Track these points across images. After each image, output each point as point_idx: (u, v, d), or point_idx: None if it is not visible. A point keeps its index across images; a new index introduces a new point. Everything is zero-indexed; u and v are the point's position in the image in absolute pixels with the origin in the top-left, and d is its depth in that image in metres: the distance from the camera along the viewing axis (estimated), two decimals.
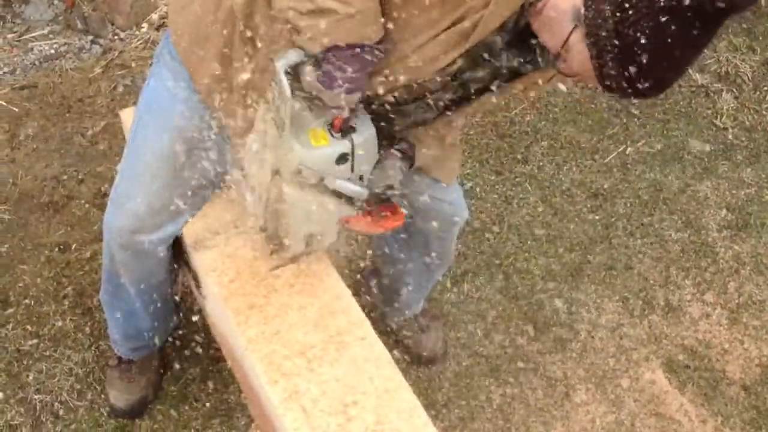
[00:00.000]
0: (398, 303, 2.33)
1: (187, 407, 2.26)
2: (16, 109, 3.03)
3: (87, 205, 2.70)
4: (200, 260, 1.69)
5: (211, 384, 2.30)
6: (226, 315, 1.60)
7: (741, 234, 2.87)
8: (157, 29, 3.41)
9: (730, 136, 3.19)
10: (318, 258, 1.70)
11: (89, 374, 2.28)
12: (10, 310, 2.39)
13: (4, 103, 3.06)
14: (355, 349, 1.54)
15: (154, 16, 3.47)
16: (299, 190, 1.48)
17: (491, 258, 2.68)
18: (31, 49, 3.36)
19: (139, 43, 3.34)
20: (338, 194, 1.51)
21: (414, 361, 2.42)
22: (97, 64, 3.24)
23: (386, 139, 1.57)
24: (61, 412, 2.21)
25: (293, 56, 1.35)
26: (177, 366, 2.32)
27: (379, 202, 1.59)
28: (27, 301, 2.42)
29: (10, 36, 3.41)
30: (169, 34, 1.64)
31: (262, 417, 1.61)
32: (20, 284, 2.46)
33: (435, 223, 1.95)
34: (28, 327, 2.36)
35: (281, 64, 1.36)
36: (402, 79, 1.41)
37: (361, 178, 1.50)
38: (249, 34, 1.46)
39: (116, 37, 3.40)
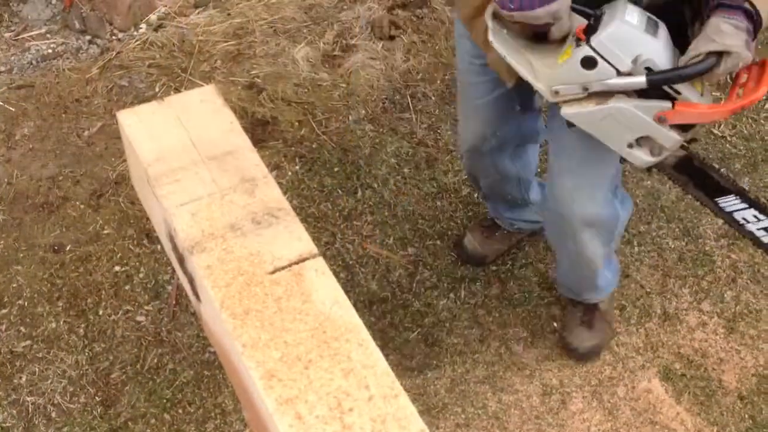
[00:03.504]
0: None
1: (180, 411, 2.24)
2: (13, 109, 3.02)
3: (82, 206, 2.69)
4: (196, 263, 1.67)
5: (204, 388, 2.29)
6: (222, 319, 1.59)
7: (738, 243, 2.86)
8: (156, 30, 3.40)
9: (727, 145, 3.18)
10: (315, 262, 1.68)
11: (82, 376, 2.26)
12: (4, 311, 2.38)
13: (1, 103, 3.04)
14: (352, 355, 1.52)
15: (153, 17, 3.46)
16: (579, 108, 1.54)
17: (488, 264, 2.67)
18: (28, 48, 3.34)
19: (137, 43, 3.32)
20: (627, 93, 1.50)
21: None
22: (95, 65, 3.23)
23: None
24: (53, 415, 2.20)
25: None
26: (170, 369, 2.31)
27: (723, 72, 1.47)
28: (21, 301, 2.41)
29: (7, 35, 3.40)
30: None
31: (257, 422, 1.59)
32: (14, 285, 2.44)
33: None
34: (22, 328, 2.35)
35: (487, 19, 1.56)
36: None
37: (648, 69, 1.47)
38: None
39: (114, 38, 3.39)
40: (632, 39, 1.46)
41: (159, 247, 2.55)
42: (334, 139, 2.98)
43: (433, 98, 3.15)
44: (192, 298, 1.86)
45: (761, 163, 3.13)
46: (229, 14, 3.49)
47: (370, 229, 2.72)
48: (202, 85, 3.09)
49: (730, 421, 2.42)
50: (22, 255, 2.52)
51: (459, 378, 2.42)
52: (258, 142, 2.87)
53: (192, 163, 1.85)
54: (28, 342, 2.32)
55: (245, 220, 1.77)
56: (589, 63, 1.47)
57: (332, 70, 3.25)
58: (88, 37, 3.39)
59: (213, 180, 1.83)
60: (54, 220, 2.64)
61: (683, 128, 1.57)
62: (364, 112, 3.08)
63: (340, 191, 2.82)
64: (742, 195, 1.68)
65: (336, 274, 1.70)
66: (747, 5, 1.47)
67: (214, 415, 2.24)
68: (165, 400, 2.25)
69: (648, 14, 1.51)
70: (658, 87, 1.50)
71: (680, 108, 1.49)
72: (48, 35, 3.40)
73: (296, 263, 1.67)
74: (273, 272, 1.67)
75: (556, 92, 1.54)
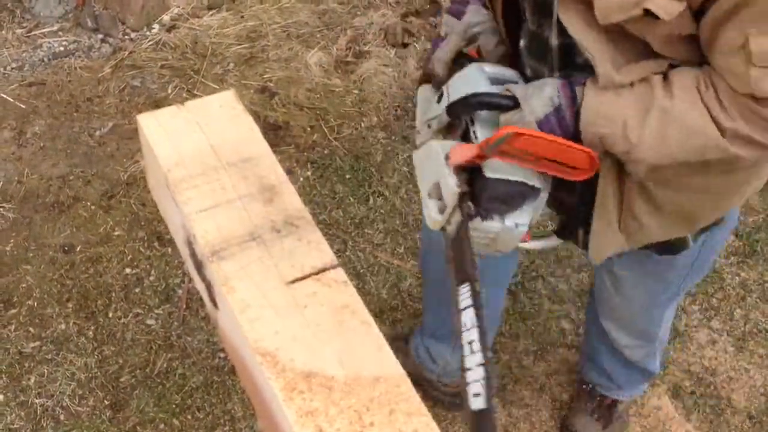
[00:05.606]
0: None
1: (189, 417, 2.23)
2: (24, 106, 3.01)
3: (93, 207, 2.67)
4: (216, 271, 1.66)
5: (214, 394, 2.27)
6: (241, 328, 1.57)
7: (748, 261, 2.86)
8: (168, 30, 3.39)
9: None
10: (335, 272, 1.67)
11: (91, 379, 2.25)
12: (13, 311, 2.36)
13: (12, 100, 3.03)
14: (372, 368, 1.51)
15: (166, 17, 3.45)
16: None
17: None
18: (40, 45, 3.33)
19: (149, 44, 3.31)
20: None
21: None
22: (107, 64, 3.22)
23: None
24: (62, 417, 2.18)
25: None
26: (180, 374, 2.29)
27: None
28: (30, 302, 2.39)
29: (19, 31, 3.38)
30: None
31: None
32: (24, 285, 2.43)
33: None
34: (31, 329, 2.33)
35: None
36: None
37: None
38: None
39: (127, 37, 3.38)
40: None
41: (170, 250, 2.54)
42: (346, 146, 2.97)
43: None
44: (208, 304, 1.85)
45: None
46: (242, 17, 3.48)
47: (381, 238, 2.71)
48: (214, 88, 3.09)
49: None
50: (31, 254, 2.51)
51: None
52: (269, 146, 2.86)
53: (212, 168, 1.84)
54: (37, 343, 2.31)
55: (264, 228, 1.76)
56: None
57: (345, 76, 3.24)
58: (100, 36, 3.38)
59: (233, 186, 1.82)
60: (64, 220, 2.62)
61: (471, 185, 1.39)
62: (376, 119, 3.07)
63: (351, 198, 2.81)
64: None
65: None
66: (578, 90, 1.28)
67: (223, 421, 2.22)
68: (174, 406, 2.24)
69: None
70: (458, 117, 1.45)
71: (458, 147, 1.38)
72: (60, 33, 3.39)
73: (316, 273, 1.66)
74: (293, 282, 1.65)
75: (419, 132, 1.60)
